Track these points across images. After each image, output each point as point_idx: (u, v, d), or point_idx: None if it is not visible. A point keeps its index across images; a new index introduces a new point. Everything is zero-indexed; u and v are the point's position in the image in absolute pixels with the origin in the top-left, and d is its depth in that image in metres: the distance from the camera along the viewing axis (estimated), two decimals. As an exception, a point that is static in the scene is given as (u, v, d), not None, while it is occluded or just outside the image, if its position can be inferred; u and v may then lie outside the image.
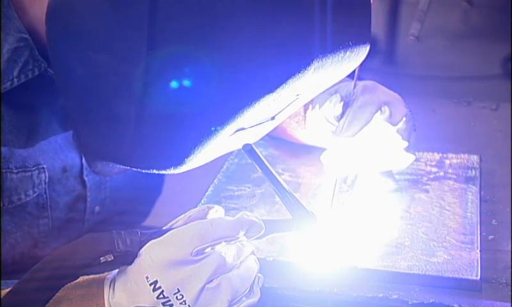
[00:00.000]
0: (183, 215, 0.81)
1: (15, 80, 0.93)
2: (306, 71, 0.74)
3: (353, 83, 1.07)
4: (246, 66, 0.72)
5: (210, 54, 0.71)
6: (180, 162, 0.79)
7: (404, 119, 1.07)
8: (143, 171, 0.82)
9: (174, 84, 0.72)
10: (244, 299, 0.78)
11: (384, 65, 3.84)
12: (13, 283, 0.74)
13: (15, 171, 0.99)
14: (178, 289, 0.74)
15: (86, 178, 1.08)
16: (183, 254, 0.75)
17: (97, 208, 1.13)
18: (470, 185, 1.13)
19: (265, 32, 0.72)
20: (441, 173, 1.17)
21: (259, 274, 0.81)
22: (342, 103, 1.07)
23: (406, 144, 1.08)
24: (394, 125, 1.07)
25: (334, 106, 1.07)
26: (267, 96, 0.74)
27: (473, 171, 1.17)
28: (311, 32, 0.74)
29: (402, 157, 1.10)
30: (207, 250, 0.76)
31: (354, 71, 0.91)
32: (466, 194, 1.10)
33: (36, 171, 1.02)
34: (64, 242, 1.02)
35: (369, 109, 1.06)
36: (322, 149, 1.16)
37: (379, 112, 1.06)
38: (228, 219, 0.79)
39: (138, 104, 0.74)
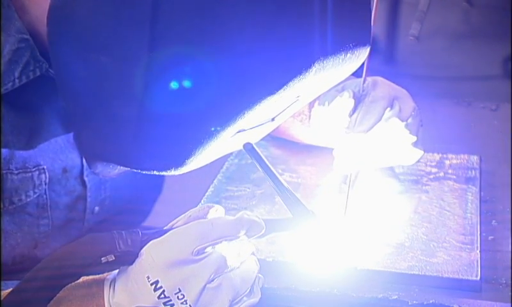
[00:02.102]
0: (183, 215, 0.82)
1: (16, 81, 0.93)
2: (307, 73, 0.74)
3: (362, 79, 1.08)
4: (248, 67, 0.72)
5: (211, 55, 0.71)
6: (180, 163, 0.79)
7: (413, 114, 1.08)
8: (144, 172, 0.82)
9: (175, 85, 0.72)
10: (245, 298, 0.78)
11: (384, 65, 3.84)
12: (13, 284, 0.74)
13: (16, 172, 0.99)
14: (179, 289, 0.74)
15: (86, 179, 1.08)
16: (184, 254, 0.75)
17: (97, 208, 1.13)
18: (470, 186, 1.13)
19: (267, 34, 0.72)
20: (441, 174, 1.17)
21: (259, 275, 0.81)
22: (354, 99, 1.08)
23: (414, 138, 1.09)
24: (403, 120, 1.08)
25: (346, 102, 1.08)
26: (268, 97, 0.74)
27: (473, 172, 1.17)
28: (312, 34, 0.74)
29: (411, 152, 1.11)
30: (208, 249, 0.76)
31: (361, 67, 0.92)
32: (466, 195, 1.10)
33: (37, 172, 1.02)
34: (64, 242, 1.02)
35: (381, 104, 1.07)
36: (323, 149, 1.16)
37: (389, 107, 1.07)
38: (228, 218, 0.79)
39: (139, 105, 0.74)
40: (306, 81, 0.75)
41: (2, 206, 1.00)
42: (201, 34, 0.71)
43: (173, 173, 0.81)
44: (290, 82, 0.74)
